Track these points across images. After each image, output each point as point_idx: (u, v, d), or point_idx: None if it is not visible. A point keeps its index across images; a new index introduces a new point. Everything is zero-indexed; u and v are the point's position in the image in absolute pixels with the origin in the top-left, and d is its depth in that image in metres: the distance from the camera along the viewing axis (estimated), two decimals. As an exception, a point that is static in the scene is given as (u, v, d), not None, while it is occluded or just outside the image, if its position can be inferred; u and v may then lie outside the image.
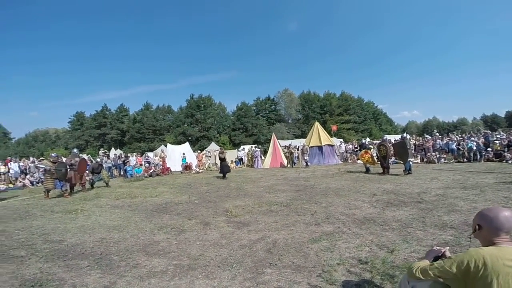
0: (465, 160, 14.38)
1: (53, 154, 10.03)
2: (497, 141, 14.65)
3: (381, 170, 11.38)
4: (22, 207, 7.57)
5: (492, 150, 14.12)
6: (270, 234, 4.38)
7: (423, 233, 4.00)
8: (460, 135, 19.18)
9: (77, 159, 10.22)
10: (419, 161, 15.77)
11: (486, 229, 1.64)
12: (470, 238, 1.84)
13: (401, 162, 11.25)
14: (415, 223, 4.50)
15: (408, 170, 10.41)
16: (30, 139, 56.39)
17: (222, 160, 13.52)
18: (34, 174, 14.53)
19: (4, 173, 13.94)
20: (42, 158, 14.93)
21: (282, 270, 3.09)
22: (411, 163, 10.93)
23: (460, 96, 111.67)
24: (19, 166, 14.78)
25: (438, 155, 15.21)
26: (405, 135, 13.90)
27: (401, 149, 11.03)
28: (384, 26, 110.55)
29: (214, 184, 11.13)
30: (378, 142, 15.46)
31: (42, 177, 11.29)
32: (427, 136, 19.13)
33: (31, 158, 16.82)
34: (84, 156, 18.95)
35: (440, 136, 18.27)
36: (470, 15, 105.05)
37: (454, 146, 15.44)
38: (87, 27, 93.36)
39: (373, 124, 58.61)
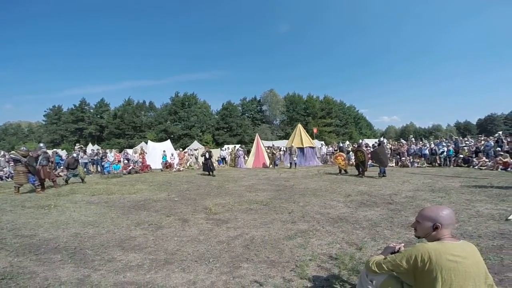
0: (436, 164, 15.21)
1: (23, 148, 9.58)
2: (466, 147, 15.61)
3: (357, 172, 11.79)
4: (-10, 202, 7.20)
5: (461, 156, 15.02)
6: (248, 231, 4.48)
7: (390, 232, 4.24)
8: (433, 141, 20.22)
9: (39, 152, 9.67)
10: (394, 165, 16.47)
11: (429, 227, 1.75)
12: (419, 237, 1.91)
13: (377, 165, 11.71)
14: (383, 222, 4.75)
15: (383, 173, 10.87)
16: (0, 132, 53.16)
17: (208, 158, 13.81)
18: (4, 169, 13.79)
19: (-31, 167, 13.14)
20: (12, 151, 14.17)
21: (258, 265, 3.19)
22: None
23: (437, 102, 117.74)
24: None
25: (411, 160, 15.97)
26: (382, 139, 14.45)
27: (380, 155, 11.43)
28: (365, 30, 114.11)
29: (194, 182, 11.08)
30: (354, 147, 15.58)
31: (13, 172, 10.73)
32: (402, 141, 20.01)
33: (1, 152, 15.91)
34: (59, 151, 18.20)
35: (414, 141, 19.18)
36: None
37: (426, 151, 16.27)
38: (73, 23, 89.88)
39: (353, 128, 60.41)
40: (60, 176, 12.53)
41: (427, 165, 15.55)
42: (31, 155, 9.15)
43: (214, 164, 14.97)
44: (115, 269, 3.10)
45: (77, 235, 4.34)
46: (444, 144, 15.92)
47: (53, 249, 3.73)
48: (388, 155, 17.14)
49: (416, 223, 1.88)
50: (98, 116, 52.21)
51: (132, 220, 5.27)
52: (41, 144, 10.56)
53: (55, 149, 22.93)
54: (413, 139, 19.50)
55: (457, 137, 20.36)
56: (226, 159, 21.45)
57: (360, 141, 16.32)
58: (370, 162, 13.77)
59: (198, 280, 2.84)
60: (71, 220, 5.26)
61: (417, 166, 15.25)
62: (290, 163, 17.01)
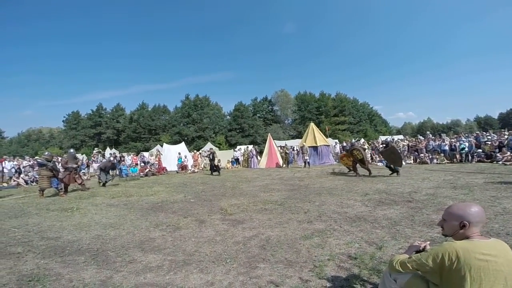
0: (456, 160, 14.65)
1: (46, 153, 9.98)
2: (488, 142, 14.94)
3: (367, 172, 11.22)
4: (17, 206, 7.56)
5: (483, 151, 14.40)
6: (264, 231, 4.48)
7: (411, 231, 4.12)
8: (453, 136, 19.48)
9: (75, 161, 10.07)
10: (412, 162, 16.00)
11: (456, 225, 1.70)
12: (446, 236, 1.87)
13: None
14: (404, 221, 4.62)
15: (396, 172, 10.43)
16: (23, 138, 55.70)
17: (212, 159, 15.02)
18: (29, 173, 14.45)
19: (-2, 172, 13.86)
20: (37, 157, 14.91)
21: (275, 265, 3.18)
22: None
23: (454, 98, 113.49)
24: (13, 166, 14.68)
25: (430, 156, 15.46)
26: (389, 139, 13.98)
27: (392, 155, 10.80)
28: (375, 24, 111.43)
29: (209, 183, 11.20)
30: (348, 147, 14.66)
31: (37, 176, 11.24)
32: (420, 137, 19.40)
33: (27, 157, 16.69)
34: (78, 155, 18.87)
35: (433, 138, 18.56)
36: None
37: (446, 147, 15.71)
38: (82, 25, 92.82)
39: (368, 125, 59.16)
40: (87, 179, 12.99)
41: (447, 161, 14.99)
42: (61, 162, 9.59)
43: (219, 164, 15.54)
44: (135, 270, 3.18)
45: (99, 237, 4.48)
46: (465, 140, 15.32)
47: (77, 251, 3.86)
48: (405, 152, 16.72)
49: (442, 221, 1.84)
50: (115, 120, 53.69)
51: (151, 221, 5.39)
52: (71, 150, 10.82)
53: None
54: (430, 135, 18.82)
55: (478, 132, 19.52)
56: (239, 159, 21.57)
57: (353, 140, 15.68)
58: (383, 161, 13.37)
59: (216, 281, 2.86)
60: (93, 222, 5.44)
61: (437, 163, 14.75)
62: (304, 162, 16.88)
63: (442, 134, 20.41)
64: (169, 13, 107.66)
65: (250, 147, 23.41)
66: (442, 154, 15.50)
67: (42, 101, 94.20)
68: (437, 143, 16.66)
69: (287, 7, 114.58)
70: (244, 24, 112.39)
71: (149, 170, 16.50)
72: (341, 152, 20.92)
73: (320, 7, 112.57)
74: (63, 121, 54.79)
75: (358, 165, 11.41)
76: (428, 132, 21.51)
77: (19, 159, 16.34)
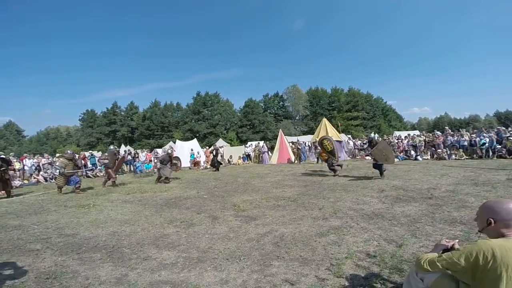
0: (476, 156, 14.08)
1: (68, 151, 10.23)
2: (510, 138, 14.26)
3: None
4: (37, 202, 7.80)
5: (504, 147, 13.77)
6: (277, 228, 4.42)
7: (432, 228, 3.97)
8: (473, 131, 18.68)
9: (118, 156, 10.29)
10: (428, 157, 15.51)
11: (496, 221, 1.63)
12: (479, 234, 1.85)
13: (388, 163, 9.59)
14: (424, 218, 4.46)
15: (383, 171, 9.21)
16: (42, 136, 57.72)
17: (215, 155, 15.67)
18: (48, 171, 14.94)
19: (19, 170, 14.38)
20: (59, 155, 15.48)
21: (290, 263, 3.12)
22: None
23: (472, 93, 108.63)
24: (33, 163, 15.21)
25: (448, 152, 14.92)
26: (372, 135, 13.50)
27: (384, 151, 9.46)
28: (390, 23, 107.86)
29: (222, 179, 11.23)
30: (319, 138, 13.14)
31: (56, 173, 11.58)
32: (437, 132, 18.73)
33: (46, 155, 17.27)
34: (94, 152, 19.41)
35: (451, 133, 17.88)
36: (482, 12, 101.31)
37: (465, 143, 15.11)
38: (99, 23, 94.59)
39: (382, 121, 57.82)
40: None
41: (466, 157, 14.43)
42: (101, 158, 9.91)
43: (238, 161, 15.95)
44: (150, 268, 3.18)
45: (114, 233, 4.54)
46: (486, 135, 14.67)
47: (93, 247, 3.91)
48: (422, 148, 16.19)
49: (476, 217, 1.78)
50: (129, 118, 54.78)
51: (165, 217, 5.43)
52: (112, 147, 11.08)
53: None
54: (449, 130, 18.10)
55: (498, 127, 18.65)
56: (251, 155, 21.58)
57: (372, 134, 15.01)
58: (402, 155, 12.95)
59: (230, 279, 2.83)
60: (109, 218, 5.53)
61: (455, 159, 14.22)
62: (317, 158, 16.68)
63: (460, 129, 19.55)
64: (181, 12, 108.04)
65: (261, 143, 23.36)
66: (461, 150, 14.93)
67: (59, 100, 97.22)
68: (455, 138, 16.06)
69: (297, 4, 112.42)
70: (254, 22, 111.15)
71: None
72: (354, 148, 20.59)
73: (331, 4, 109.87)
74: (79, 119, 56.48)
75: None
76: (446, 127, 20.70)
77: (39, 157, 16.92)
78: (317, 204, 5.83)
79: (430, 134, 19.24)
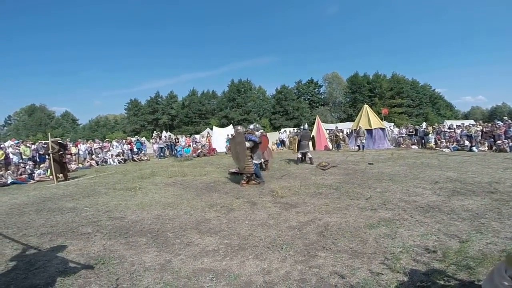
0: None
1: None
2: None
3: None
4: (90, 185, 8.38)
5: None
6: (320, 216, 4.20)
7: (499, 225, 3.49)
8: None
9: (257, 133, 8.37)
10: (486, 148, 13.81)
11: None
12: None
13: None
14: (489, 213, 3.95)
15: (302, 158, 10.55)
16: (93, 124, 63.13)
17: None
18: (99, 155, 16.27)
19: (75, 154, 15.85)
20: (108, 140, 16.78)
21: (338, 255, 2.92)
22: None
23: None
24: (86, 148, 16.66)
25: (510, 143, 13.10)
26: (303, 125, 12.93)
27: (304, 139, 10.76)
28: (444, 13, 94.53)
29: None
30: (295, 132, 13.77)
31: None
32: (498, 122, 16.44)
33: (97, 141, 18.77)
34: (140, 138, 20.62)
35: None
36: None
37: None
38: (143, 11, 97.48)
39: (430, 109, 52.95)
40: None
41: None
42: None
43: (273, 147, 15.29)
44: (193, 254, 3.15)
45: (159, 217, 4.65)
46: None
47: (139, 231, 4.00)
48: (478, 138, 14.41)
49: None
50: (169, 106, 57.47)
51: (206, 201, 5.50)
52: (239, 127, 9.09)
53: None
54: (509, 120, 15.71)
55: None
56: (285, 142, 21.36)
57: (304, 125, 13.46)
58: (454, 144, 11.57)
59: (272, 269, 2.70)
60: (153, 201, 5.74)
61: (519, 150, 12.43)
62: (358, 146, 15.83)
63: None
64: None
65: (296, 129, 22.86)
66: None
67: (107, 91, 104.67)
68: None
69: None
70: (290, 4, 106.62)
71: (201, 151, 17.46)
72: (398, 136, 19.12)
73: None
74: (124, 108, 60.59)
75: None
76: (505, 117, 18.06)
77: (91, 141, 18.47)
78: (362, 194, 5.47)
79: (489, 124, 17.00)
